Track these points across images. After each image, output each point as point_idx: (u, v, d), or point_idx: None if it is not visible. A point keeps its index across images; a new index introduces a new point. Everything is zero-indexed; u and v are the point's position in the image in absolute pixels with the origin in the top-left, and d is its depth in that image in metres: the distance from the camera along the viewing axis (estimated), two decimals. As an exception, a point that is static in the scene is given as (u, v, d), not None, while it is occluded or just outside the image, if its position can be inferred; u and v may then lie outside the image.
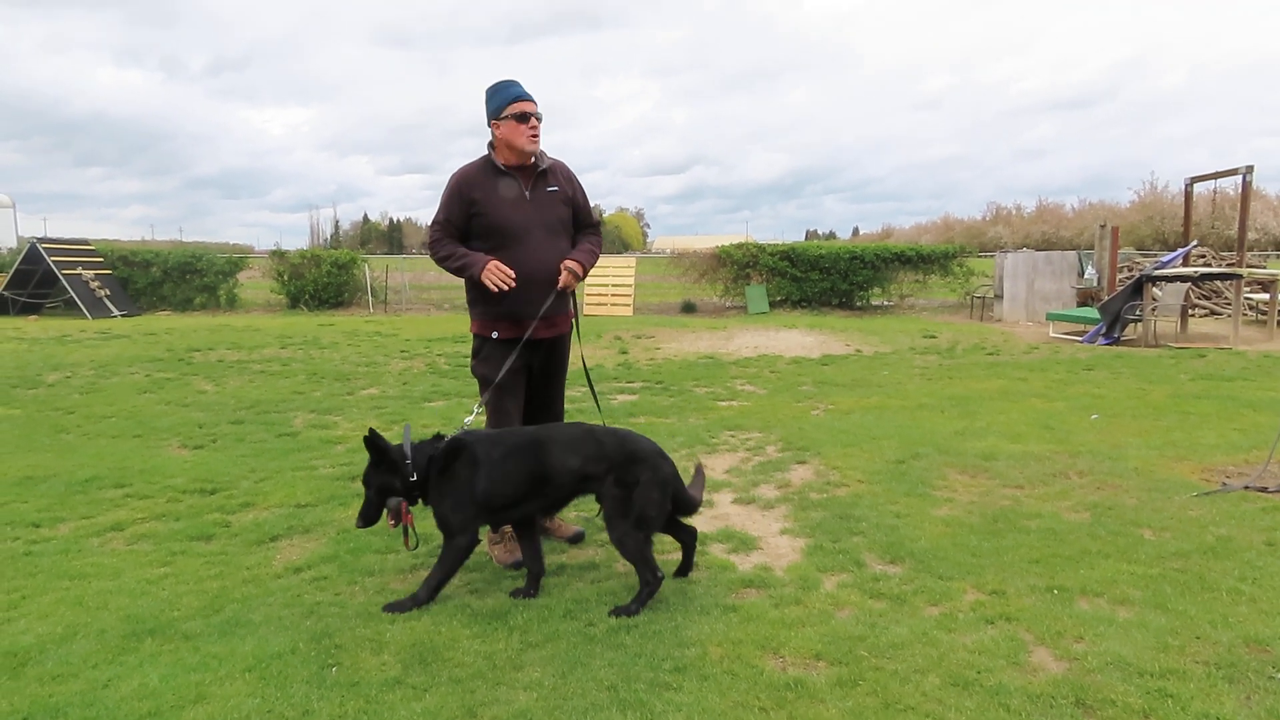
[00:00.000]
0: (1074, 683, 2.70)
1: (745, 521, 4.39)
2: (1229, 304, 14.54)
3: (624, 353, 11.61)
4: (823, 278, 18.46)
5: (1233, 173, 12.85)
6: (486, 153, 3.91)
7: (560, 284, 3.85)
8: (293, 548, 4.07)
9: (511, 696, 2.66)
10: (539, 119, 3.83)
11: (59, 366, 10.26)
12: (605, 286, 18.94)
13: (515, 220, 3.82)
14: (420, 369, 10.08)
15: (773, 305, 18.45)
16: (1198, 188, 14.58)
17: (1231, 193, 15.06)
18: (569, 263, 3.87)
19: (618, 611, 3.24)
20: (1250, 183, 12.81)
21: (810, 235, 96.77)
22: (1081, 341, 12.32)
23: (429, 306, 20.31)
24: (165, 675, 2.79)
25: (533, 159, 3.86)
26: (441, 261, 3.88)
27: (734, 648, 2.96)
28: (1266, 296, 13.20)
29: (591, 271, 3.99)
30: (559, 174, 3.99)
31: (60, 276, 17.58)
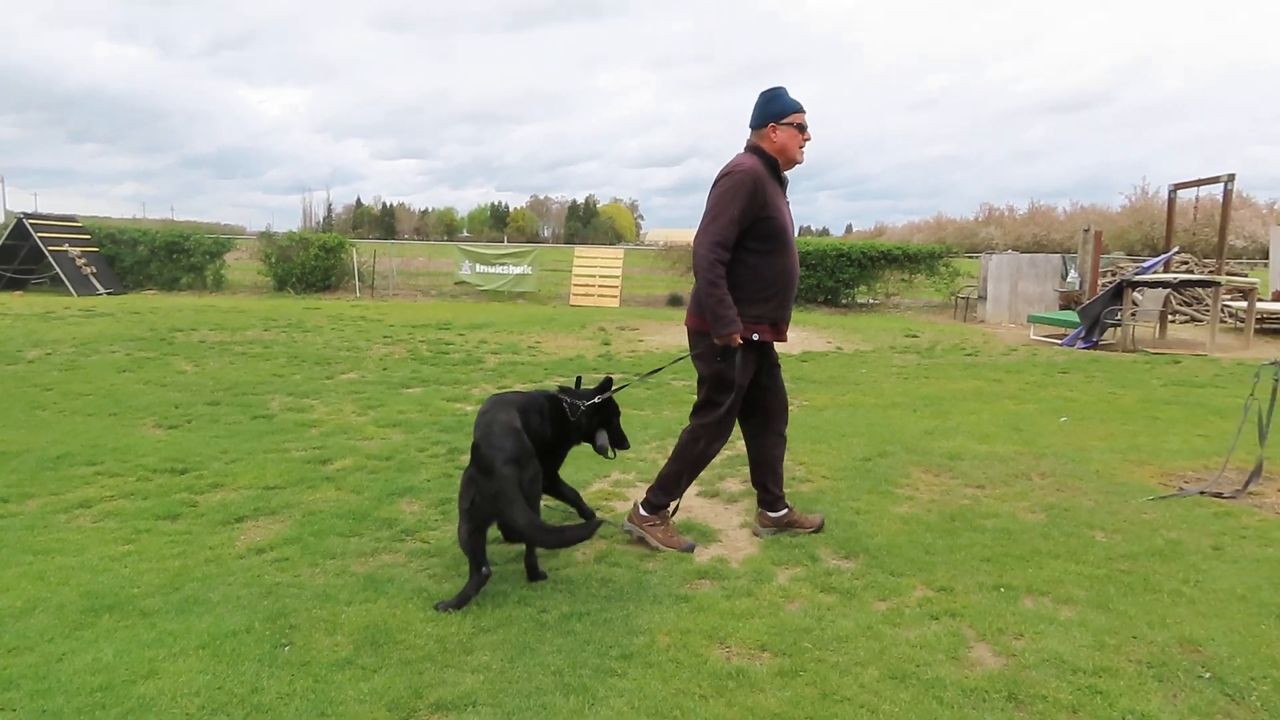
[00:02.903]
0: (1009, 678, 2.77)
1: (707, 514, 4.45)
2: (1210, 310, 14.66)
3: (606, 344, 11.65)
4: (809, 274, 18.49)
5: (1215, 180, 12.92)
6: (755, 155, 3.85)
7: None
8: (257, 529, 4.11)
9: (459, 679, 2.72)
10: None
11: (40, 343, 10.24)
12: (592, 277, 18.86)
13: (787, 225, 3.90)
14: (401, 355, 10.10)
15: (759, 300, 18.45)
16: (1181, 194, 14.67)
17: (1215, 200, 15.20)
18: None
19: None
20: (1231, 191, 12.90)
21: (803, 231, 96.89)
22: (1060, 345, 12.43)
23: (415, 292, 20.29)
24: (120, 650, 2.84)
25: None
26: (712, 285, 3.70)
27: (682, 637, 3.02)
28: (1245, 304, 13.32)
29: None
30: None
31: (46, 253, 17.50)
